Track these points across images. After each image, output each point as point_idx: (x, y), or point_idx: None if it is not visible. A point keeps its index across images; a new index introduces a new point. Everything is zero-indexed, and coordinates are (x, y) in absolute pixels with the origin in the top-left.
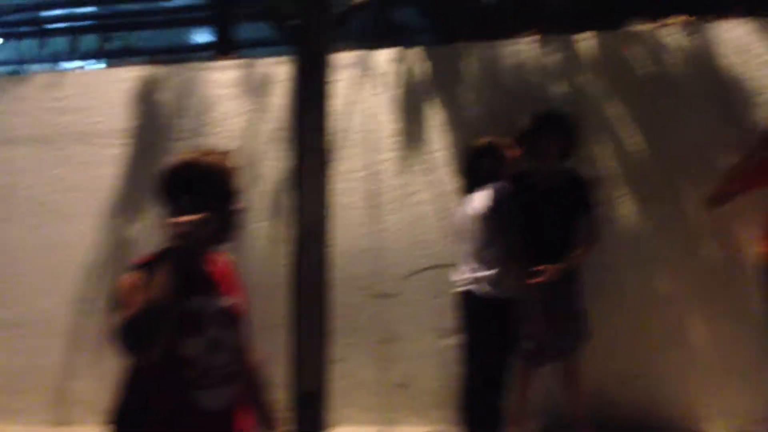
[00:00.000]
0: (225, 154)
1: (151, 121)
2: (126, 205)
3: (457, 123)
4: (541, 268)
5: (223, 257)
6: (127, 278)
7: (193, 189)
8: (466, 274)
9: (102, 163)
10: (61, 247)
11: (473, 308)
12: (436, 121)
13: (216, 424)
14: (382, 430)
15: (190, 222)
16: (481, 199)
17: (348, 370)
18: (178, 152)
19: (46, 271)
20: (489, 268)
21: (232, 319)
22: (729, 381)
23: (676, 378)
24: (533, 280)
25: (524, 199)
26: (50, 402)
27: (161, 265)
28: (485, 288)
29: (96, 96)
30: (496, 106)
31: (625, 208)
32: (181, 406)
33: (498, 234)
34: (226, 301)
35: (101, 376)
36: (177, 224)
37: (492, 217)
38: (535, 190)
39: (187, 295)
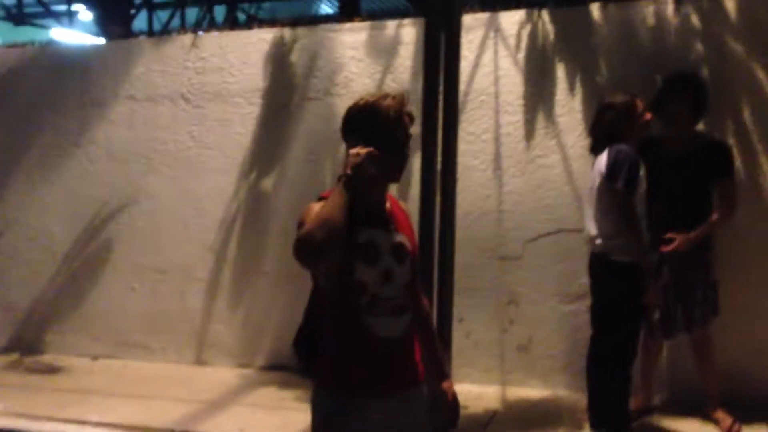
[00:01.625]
0: (399, 98)
1: (283, 82)
2: (258, 162)
3: (586, 86)
4: (670, 236)
5: (393, 199)
6: (312, 205)
7: (367, 129)
8: (596, 239)
9: (236, 122)
10: (196, 200)
11: (603, 272)
12: (564, 84)
13: (388, 351)
14: (500, 390)
15: (360, 153)
16: (603, 162)
17: (469, 331)
18: (362, 96)
19: (183, 222)
20: (611, 233)
21: (404, 255)
22: None
23: None
24: (662, 249)
25: (654, 165)
26: (188, 343)
27: (335, 190)
28: (612, 253)
29: (231, 57)
30: (628, 69)
31: (763, 176)
32: (354, 330)
33: (616, 199)
34: (399, 237)
35: (235, 321)
36: (350, 155)
37: (609, 181)
38: (666, 155)
39: (363, 225)
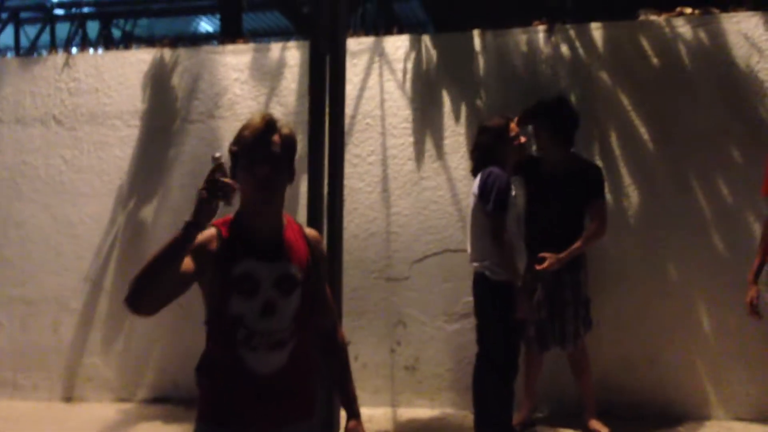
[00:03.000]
0: (262, 120)
1: (164, 104)
2: (137, 187)
3: (469, 109)
4: (542, 255)
5: (296, 226)
6: None
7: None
8: (474, 258)
9: (113, 145)
10: (70, 227)
11: (481, 291)
12: (448, 107)
13: (264, 386)
14: (390, 411)
15: (202, 195)
16: (476, 184)
17: (357, 353)
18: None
19: (56, 251)
20: (486, 253)
21: (291, 286)
22: (735, 369)
23: (682, 365)
24: (535, 267)
25: (532, 185)
26: (62, 378)
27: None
28: (489, 272)
29: (108, 78)
30: (506, 93)
31: (632, 198)
32: (229, 363)
33: (487, 219)
34: (288, 269)
35: (111, 354)
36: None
37: (481, 201)
38: (543, 176)
39: (244, 257)
